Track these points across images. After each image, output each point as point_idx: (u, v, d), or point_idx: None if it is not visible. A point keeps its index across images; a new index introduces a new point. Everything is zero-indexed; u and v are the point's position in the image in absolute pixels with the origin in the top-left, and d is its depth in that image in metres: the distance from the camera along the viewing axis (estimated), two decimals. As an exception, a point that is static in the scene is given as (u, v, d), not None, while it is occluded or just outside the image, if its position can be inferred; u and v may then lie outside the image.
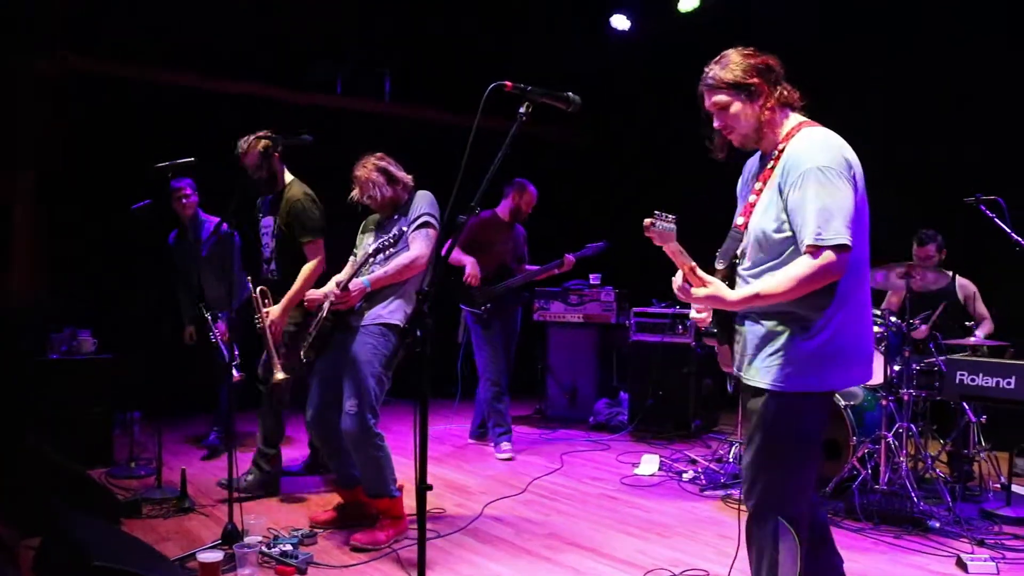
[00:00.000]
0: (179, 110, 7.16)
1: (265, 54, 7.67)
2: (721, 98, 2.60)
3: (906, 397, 4.69)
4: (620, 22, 8.19)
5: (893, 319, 4.95)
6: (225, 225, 4.42)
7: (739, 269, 2.65)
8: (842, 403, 4.83)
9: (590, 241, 6.36)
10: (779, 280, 2.46)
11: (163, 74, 7.23)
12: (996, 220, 4.73)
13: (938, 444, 5.17)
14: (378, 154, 4.29)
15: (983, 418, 4.89)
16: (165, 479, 4.80)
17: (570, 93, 2.60)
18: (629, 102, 8.95)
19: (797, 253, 2.47)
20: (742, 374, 2.64)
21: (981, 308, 5.55)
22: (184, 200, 5.74)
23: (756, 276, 2.57)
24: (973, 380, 4.32)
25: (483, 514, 4.58)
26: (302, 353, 4.21)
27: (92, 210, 6.71)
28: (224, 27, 7.38)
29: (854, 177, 2.47)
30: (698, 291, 2.54)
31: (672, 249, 2.51)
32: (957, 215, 5.21)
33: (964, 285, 5.61)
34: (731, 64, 2.58)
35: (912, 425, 4.70)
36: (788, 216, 2.48)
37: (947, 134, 6.52)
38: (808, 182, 2.42)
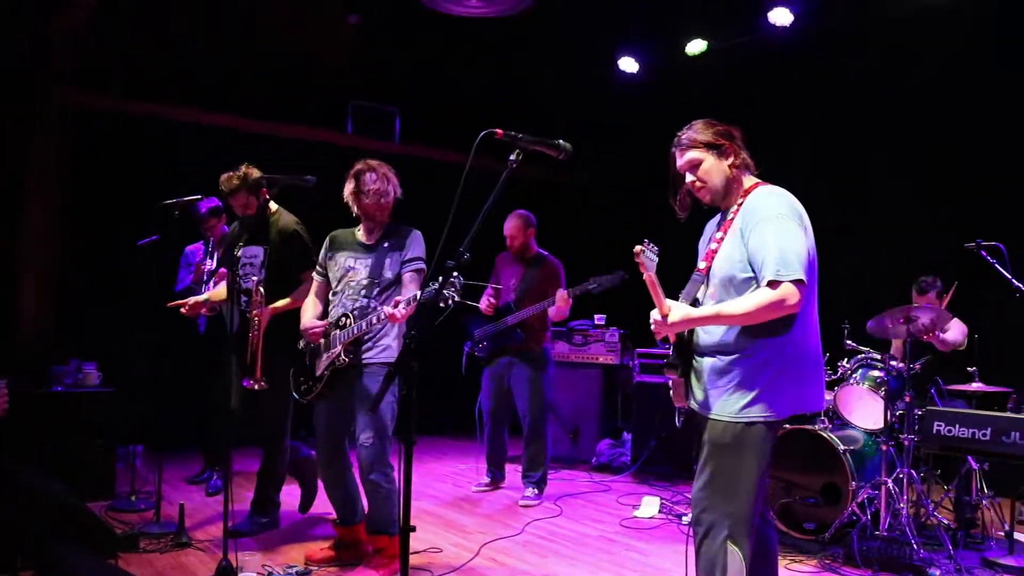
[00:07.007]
0: (188, 146, 7.25)
1: (275, 91, 7.79)
2: (694, 155, 2.92)
3: (907, 442, 4.66)
4: (628, 65, 8.26)
5: (893, 363, 4.93)
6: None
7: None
8: (841, 447, 4.80)
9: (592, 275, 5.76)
10: (741, 303, 2.75)
11: (171, 110, 7.36)
12: (996, 266, 4.75)
13: (943, 490, 5.13)
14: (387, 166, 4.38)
15: (986, 465, 4.85)
16: (164, 514, 4.81)
17: (561, 140, 2.65)
18: (631, 143, 8.98)
19: None
20: (698, 406, 2.95)
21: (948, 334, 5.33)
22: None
23: None
24: (950, 431, 4.33)
25: (479, 555, 4.57)
26: (316, 392, 4.19)
27: (98, 244, 6.81)
28: (235, 65, 7.51)
29: (806, 228, 2.80)
30: (673, 315, 2.82)
31: (650, 279, 2.79)
32: (957, 261, 5.23)
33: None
34: (702, 128, 2.93)
35: (912, 471, 4.67)
36: (750, 258, 2.78)
37: (947, 179, 6.56)
38: (768, 227, 2.75)
